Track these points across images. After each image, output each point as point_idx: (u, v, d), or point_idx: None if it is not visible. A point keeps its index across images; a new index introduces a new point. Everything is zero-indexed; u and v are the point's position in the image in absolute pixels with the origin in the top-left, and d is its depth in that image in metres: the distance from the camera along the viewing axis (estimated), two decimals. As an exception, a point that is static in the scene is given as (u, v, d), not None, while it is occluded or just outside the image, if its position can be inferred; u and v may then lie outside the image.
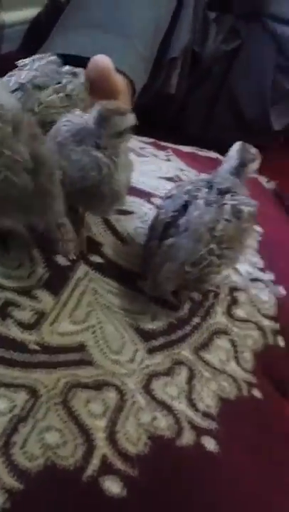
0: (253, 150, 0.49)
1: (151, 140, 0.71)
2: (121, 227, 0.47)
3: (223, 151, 0.50)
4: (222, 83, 1.26)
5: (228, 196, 0.44)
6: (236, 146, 0.49)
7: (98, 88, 0.64)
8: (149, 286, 0.41)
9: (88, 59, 0.90)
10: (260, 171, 0.89)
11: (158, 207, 0.46)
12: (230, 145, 0.50)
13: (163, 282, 0.41)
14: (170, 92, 1.11)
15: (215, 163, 0.70)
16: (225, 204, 0.43)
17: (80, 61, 0.69)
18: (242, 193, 0.45)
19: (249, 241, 0.56)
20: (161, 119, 1.24)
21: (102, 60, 0.63)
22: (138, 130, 0.78)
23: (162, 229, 0.43)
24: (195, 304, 0.46)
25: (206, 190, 0.44)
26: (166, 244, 0.42)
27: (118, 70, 0.91)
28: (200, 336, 0.44)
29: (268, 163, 1.51)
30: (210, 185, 0.45)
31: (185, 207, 0.44)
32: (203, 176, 0.49)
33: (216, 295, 0.47)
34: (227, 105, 1.27)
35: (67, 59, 0.68)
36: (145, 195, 0.53)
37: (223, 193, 0.44)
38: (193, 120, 1.27)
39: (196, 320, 0.45)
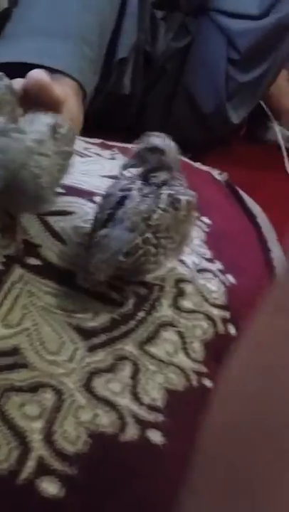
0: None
1: (99, 141, 0.71)
2: (60, 228, 0.47)
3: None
4: (177, 81, 1.26)
5: (164, 187, 0.44)
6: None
7: (39, 101, 0.64)
8: (82, 277, 0.41)
9: (35, 66, 0.90)
10: (220, 163, 0.89)
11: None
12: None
13: (94, 272, 0.40)
14: (124, 93, 1.11)
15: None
16: (161, 194, 0.43)
17: (27, 69, 0.68)
18: (179, 184, 0.45)
19: (192, 231, 0.56)
20: (121, 121, 1.24)
21: (37, 75, 0.62)
22: (99, 133, 0.78)
23: (99, 226, 0.43)
24: (140, 298, 0.46)
25: (141, 183, 0.44)
26: (100, 234, 0.42)
27: (66, 74, 0.91)
28: (145, 330, 0.43)
29: (230, 156, 1.52)
30: (146, 179, 0.45)
31: (121, 202, 0.44)
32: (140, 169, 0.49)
33: (162, 288, 0.47)
34: (184, 102, 1.28)
35: (14, 67, 0.67)
36: (87, 195, 0.53)
37: (159, 185, 0.44)
38: (152, 120, 1.28)
39: (141, 314, 0.44)
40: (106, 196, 0.45)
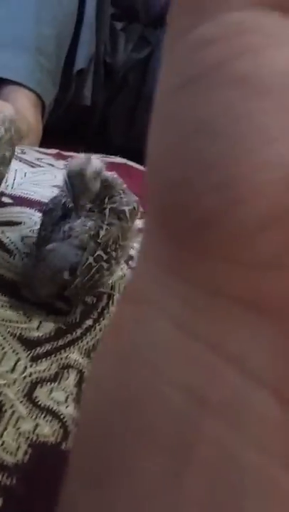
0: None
1: (55, 151, 0.71)
2: (6, 238, 0.47)
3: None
4: (139, 91, 1.27)
5: (106, 200, 0.44)
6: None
7: None
8: (26, 291, 0.41)
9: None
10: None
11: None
12: None
13: (38, 288, 0.40)
14: (85, 104, 1.12)
15: (124, 168, 0.70)
16: (104, 209, 0.43)
17: None
18: (118, 194, 0.45)
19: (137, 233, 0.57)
20: (83, 131, 1.24)
21: None
22: (61, 144, 0.78)
23: (45, 242, 0.43)
24: (87, 306, 0.46)
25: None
26: (46, 249, 0.42)
27: (24, 85, 0.91)
28: (92, 338, 0.43)
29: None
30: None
31: (64, 217, 0.44)
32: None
33: (110, 296, 0.47)
34: (146, 113, 1.29)
35: None
36: (36, 205, 0.53)
37: (101, 199, 0.44)
38: (116, 131, 1.29)
39: (88, 322, 0.44)
40: (48, 211, 0.45)
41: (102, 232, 0.42)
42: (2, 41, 0.89)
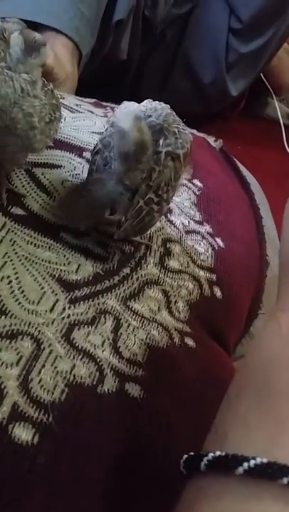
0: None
1: (92, 100, 0.69)
2: (47, 180, 0.46)
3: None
4: (177, 49, 1.24)
5: (161, 141, 0.42)
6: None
7: None
8: (63, 217, 0.41)
9: (31, 22, 0.88)
10: (217, 137, 0.88)
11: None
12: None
13: (78, 222, 0.40)
14: (121, 58, 1.09)
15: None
16: (159, 152, 0.41)
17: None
18: (174, 134, 0.43)
19: (183, 194, 0.55)
20: (116, 87, 1.22)
21: None
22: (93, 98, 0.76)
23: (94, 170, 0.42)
24: (125, 255, 0.45)
25: None
26: (93, 178, 0.41)
27: (62, 33, 0.89)
28: (129, 287, 0.43)
29: (228, 131, 1.49)
30: None
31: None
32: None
33: (148, 247, 0.46)
34: (182, 71, 1.25)
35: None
36: (76, 150, 0.51)
37: (155, 140, 0.42)
38: (149, 88, 1.26)
39: (125, 271, 0.44)
40: (98, 151, 0.43)
41: (154, 175, 0.41)
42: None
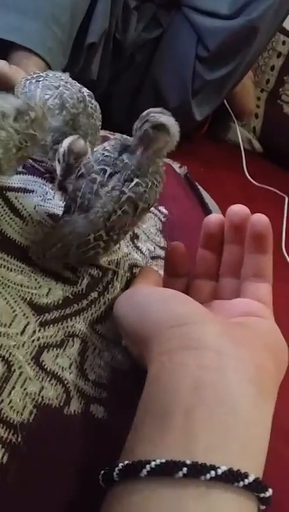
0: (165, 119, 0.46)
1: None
2: (20, 204, 0.47)
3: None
4: (145, 72, 1.28)
5: (131, 185, 0.42)
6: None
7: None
8: (36, 257, 0.42)
9: (4, 41, 0.89)
10: (181, 159, 0.91)
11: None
12: None
13: (50, 259, 0.42)
14: (91, 78, 1.11)
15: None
16: (124, 194, 0.42)
17: None
18: (151, 179, 0.43)
19: (150, 221, 0.58)
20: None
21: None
22: None
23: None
24: (93, 279, 0.47)
25: (102, 173, 0.44)
26: (65, 220, 0.43)
27: (34, 52, 0.91)
28: (96, 310, 0.45)
29: (191, 153, 1.53)
30: (106, 167, 0.44)
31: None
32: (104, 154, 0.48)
33: (115, 272, 0.49)
34: (150, 94, 1.29)
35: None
36: (47, 174, 0.53)
37: (127, 179, 0.43)
38: (118, 108, 1.28)
39: (93, 295, 0.46)
40: (82, 176, 0.44)
41: (113, 217, 0.42)
42: (19, 6, 0.88)
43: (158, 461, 0.29)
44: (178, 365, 0.33)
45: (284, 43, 1.71)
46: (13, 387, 0.35)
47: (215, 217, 0.47)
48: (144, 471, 0.29)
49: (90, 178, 0.43)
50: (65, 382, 0.38)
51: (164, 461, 0.29)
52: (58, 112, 0.50)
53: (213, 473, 0.28)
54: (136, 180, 0.43)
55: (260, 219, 0.43)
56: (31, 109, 0.41)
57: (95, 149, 0.46)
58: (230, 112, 1.55)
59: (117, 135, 0.47)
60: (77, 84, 0.55)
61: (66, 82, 0.55)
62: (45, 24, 0.93)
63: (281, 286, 0.98)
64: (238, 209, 0.45)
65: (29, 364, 0.37)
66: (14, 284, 0.41)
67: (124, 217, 0.42)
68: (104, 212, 0.42)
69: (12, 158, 0.40)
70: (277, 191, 1.48)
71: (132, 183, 0.42)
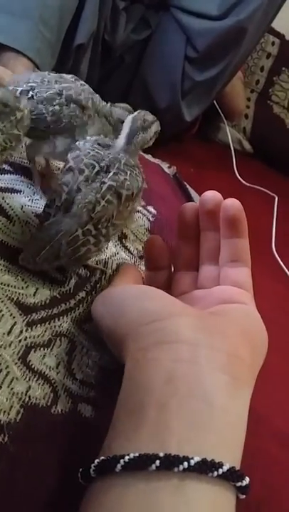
0: (150, 117, 0.48)
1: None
2: (7, 204, 0.47)
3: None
4: (134, 73, 1.28)
5: (110, 174, 0.43)
6: (131, 115, 0.48)
7: None
8: (25, 260, 0.42)
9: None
10: (171, 159, 0.91)
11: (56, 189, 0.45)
12: None
13: (42, 263, 0.42)
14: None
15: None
16: (104, 183, 0.42)
17: None
18: (129, 168, 0.44)
19: (138, 221, 0.58)
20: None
21: None
22: None
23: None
24: (81, 279, 0.47)
25: (91, 168, 0.44)
26: (48, 222, 0.43)
27: (23, 54, 0.91)
28: (84, 310, 0.45)
29: (181, 153, 1.54)
30: (95, 162, 0.44)
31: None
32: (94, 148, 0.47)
33: (103, 271, 0.49)
34: (139, 95, 1.29)
35: None
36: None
37: (105, 170, 0.44)
38: (107, 109, 1.28)
39: (81, 294, 0.46)
40: (69, 169, 0.44)
41: (97, 208, 0.42)
42: (7, 8, 0.88)
43: (131, 455, 0.29)
44: (151, 360, 0.33)
45: (273, 43, 1.72)
46: (0, 387, 0.35)
47: (189, 205, 0.47)
48: (119, 466, 0.29)
49: (78, 169, 0.43)
50: (53, 381, 0.38)
51: (137, 454, 0.29)
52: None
53: (186, 464, 0.28)
54: (114, 170, 0.43)
55: (233, 203, 0.43)
56: (18, 109, 0.41)
57: (81, 142, 0.46)
58: (220, 112, 1.56)
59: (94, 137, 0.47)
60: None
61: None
62: (33, 25, 0.93)
63: (272, 286, 0.99)
64: (211, 195, 0.45)
65: (16, 364, 0.37)
66: (1, 284, 0.41)
67: (109, 207, 0.42)
68: (86, 203, 0.42)
69: None
70: (268, 191, 1.48)
71: (111, 173, 0.43)
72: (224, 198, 0.45)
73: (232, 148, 1.55)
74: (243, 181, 1.50)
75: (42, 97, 0.49)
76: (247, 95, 1.77)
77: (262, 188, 1.50)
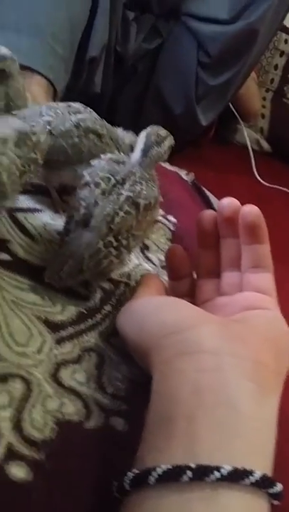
0: (163, 132, 0.49)
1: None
2: (29, 224, 0.48)
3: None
4: (148, 82, 1.28)
5: (126, 186, 0.44)
6: (144, 131, 0.48)
7: None
8: (50, 277, 0.43)
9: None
10: (189, 164, 0.91)
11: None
12: None
13: (65, 278, 0.42)
14: (95, 91, 1.13)
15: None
16: (121, 195, 0.43)
17: None
18: (145, 180, 0.45)
19: (159, 231, 0.58)
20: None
21: None
22: None
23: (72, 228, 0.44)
24: (106, 293, 0.47)
25: (106, 181, 0.44)
26: (70, 237, 0.43)
27: (37, 71, 0.92)
28: (110, 324, 0.45)
29: (199, 158, 1.54)
30: (110, 175, 0.45)
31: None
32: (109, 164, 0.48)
33: (127, 284, 0.49)
34: (154, 103, 1.30)
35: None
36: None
37: (121, 183, 0.44)
38: (124, 119, 1.29)
39: (107, 308, 0.46)
40: (85, 185, 0.45)
41: (117, 219, 0.42)
42: (17, 26, 0.90)
43: (164, 467, 0.29)
44: (176, 371, 0.34)
45: (286, 41, 1.71)
46: (34, 406, 0.36)
47: (206, 214, 0.47)
48: (152, 479, 0.29)
49: (94, 183, 0.43)
50: (84, 397, 0.39)
51: (170, 466, 0.29)
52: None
53: (217, 473, 0.28)
54: (130, 182, 0.44)
55: (251, 210, 0.43)
56: (33, 133, 0.42)
57: (96, 160, 0.46)
58: (236, 114, 1.55)
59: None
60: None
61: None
62: (44, 42, 0.94)
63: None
64: (228, 202, 0.45)
65: (47, 382, 0.38)
66: (28, 303, 0.42)
67: (128, 217, 0.43)
68: (105, 216, 0.42)
69: (16, 182, 0.40)
70: (288, 190, 1.47)
71: (127, 185, 0.44)
72: (245, 201, 0.45)
73: (250, 149, 1.55)
74: (263, 182, 1.49)
75: (60, 130, 0.50)
76: (262, 94, 1.76)
77: (283, 188, 1.49)
